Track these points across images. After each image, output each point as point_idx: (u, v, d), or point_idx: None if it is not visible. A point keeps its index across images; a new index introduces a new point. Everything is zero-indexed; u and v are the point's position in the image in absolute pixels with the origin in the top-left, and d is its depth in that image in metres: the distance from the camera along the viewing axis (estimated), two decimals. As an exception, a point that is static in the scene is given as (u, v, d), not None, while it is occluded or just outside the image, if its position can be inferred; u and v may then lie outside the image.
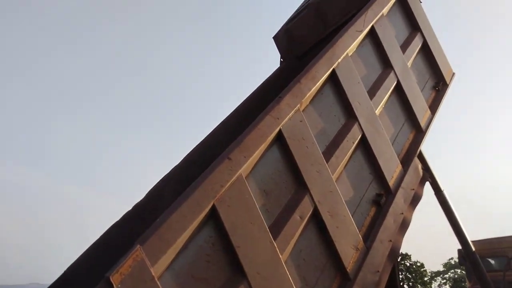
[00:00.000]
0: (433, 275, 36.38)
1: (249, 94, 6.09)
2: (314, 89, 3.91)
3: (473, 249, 6.09)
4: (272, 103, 3.59)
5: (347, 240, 3.60)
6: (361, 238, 3.71)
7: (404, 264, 26.77)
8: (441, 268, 36.79)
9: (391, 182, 4.23)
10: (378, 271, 3.69)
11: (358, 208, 3.94)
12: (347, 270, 3.49)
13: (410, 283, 26.97)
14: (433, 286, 35.97)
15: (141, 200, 4.79)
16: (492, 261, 7.88)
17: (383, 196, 4.12)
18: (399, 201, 4.21)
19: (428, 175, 4.79)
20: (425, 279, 26.70)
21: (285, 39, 7.30)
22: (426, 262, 32.26)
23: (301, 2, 7.73)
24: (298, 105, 3.71)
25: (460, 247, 6.52)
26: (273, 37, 7.47)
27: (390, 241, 3.93)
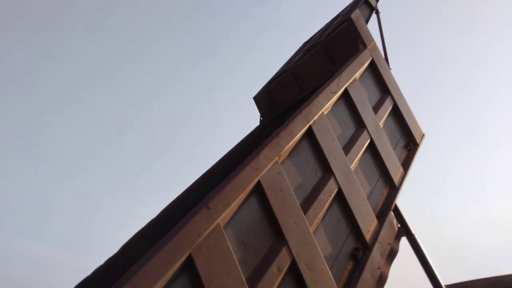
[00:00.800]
0: None
1: (229, 150, 6.24)
2: (291, 143, 4.07)
3: (443, 286, 6.00)
4: (251, 155, 3.70)
5: (325, 294, 3.55)
6: None
7: None
8: None
9: (367, 236, 4.28)
10: None
11: (336, 262, 3.93)
12: (325, 326, 3.40)
13: None
14: None
15: (113, 255, 4.65)
16: None
17: (360, 250, 4.13)
18: (376, 255, 4.23)
19: (404, 231, 4.87)
20: None
21: (264, 99, 7.67)
22: None
23: (280, 66, 8.24)
24: (277, 158, 3.83)
25: None
26: (254, 98, 7.83)
27: (369, 296, 3.89)
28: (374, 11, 6.96)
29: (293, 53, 8.61)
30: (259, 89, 7.93)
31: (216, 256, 2.99)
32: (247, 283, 3.07)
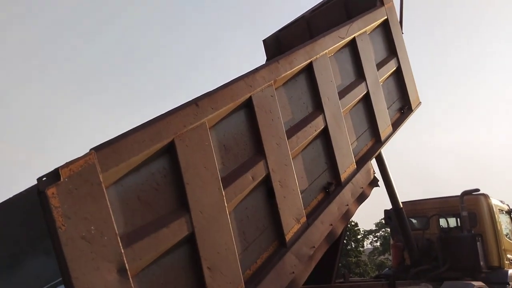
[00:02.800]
0: (365, 233, 40.19)
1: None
2: (289, 72, 4.18)
3: (401, 206, 6.81)
4: (248, 72, 3.82)
5: (291, 211, 3.79)
6: (304, 214, 3.91)
7: None
8: (373, 227, 40.57)
9: (342, 176, 4.49)
10: (314, 247, 3.87)
11: (308, 189, 4.15)
12: (285, 238, 3.67)
13: (344, 241, 28.14)
14: (365, 243, 39.77)
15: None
16: (415, 221, 8.42)
17: (333, 185, 4.36)
18: (347, 193, 4.46)
19: (377, 180, 5.08)
20: (359, 237, 28.16)
21: (274, 44, 7.66)
22: (360, 222, 35.52)
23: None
24: (272, 81, 3.96)
25: (386, 208, 7.39)
26: (263, 40, 7.81)
27: (331, 225, 4.15)
28: None
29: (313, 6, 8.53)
30: (270, 35, 7.92)
31: (197, 149, 3.18)
32: (221, 181, 3.28)
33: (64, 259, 2.33)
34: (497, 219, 7.82)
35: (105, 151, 2.65)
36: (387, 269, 8.23)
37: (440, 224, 7.91)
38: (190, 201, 3.01)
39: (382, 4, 6.05)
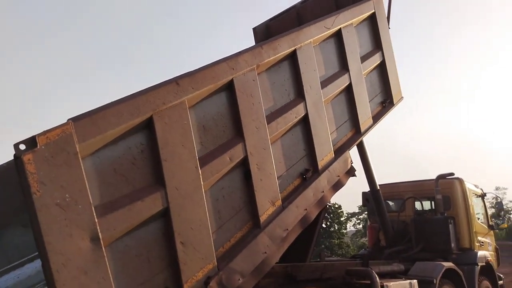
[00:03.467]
0: (349, 215, 41.02)
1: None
2: (273, 58, 4.24)
3: (378, 188, 7.05)
4: (231, 54, 3.88)
5: (267, 194, 3.89)
6: (280, 198, 4.01)
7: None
8: (357, 210, 41.17)
9: (320, 163, 4.59)
10: (287, 230, 3.98)
11: (285, 174, 4.25)
12: (260, 219, 3.76)
13: (328, 223, 29.72)
14: (348, 225, 40.31)
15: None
16: (392, 203, 8.69)
17: (310, 172, 4.46)
18: (323, 180, 4.57)
19: (354, 170, 5.20)
20: (342, 219, 28.87)
21: (263, 33, 7.70)
22: (343, 205, 35.99)
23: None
24: (255, 66, 4.02)
25: (364, 190, 7.59)
26: (253, 28, 7.85)
27: (306, 210, 4.26)
28: None
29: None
30: (260, 24, 7.97)
31: (176, 127, 3.24)
32: (198, 160, 3.35)
33: (38, 224, 2.40)
34: (470, 203, 8.03)
35: (83, 122, 2.70)
36: (363, 249, 8.48)
37: (415, 207, 8.08)
38: (166, 177, 3.08)
39: None
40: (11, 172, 4.33)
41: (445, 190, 7.79)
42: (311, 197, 4.36)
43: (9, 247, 4.55)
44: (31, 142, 2.44)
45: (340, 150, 5.00)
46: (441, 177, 7.67)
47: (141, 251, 2.94)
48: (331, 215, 30.02)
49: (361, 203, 8.17)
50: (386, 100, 6.12)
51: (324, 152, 4.70)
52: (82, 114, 2.75)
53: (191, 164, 3.28)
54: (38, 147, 2.45)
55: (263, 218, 3.80)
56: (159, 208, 3.01)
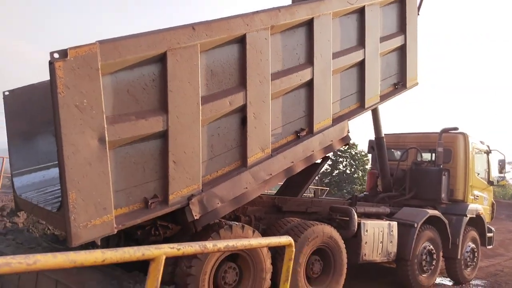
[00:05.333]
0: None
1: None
2: (288, 22, 4.63)
3: (382, 135, 7.48)
4: (249, 12, 4.30)
5: (258, 141, 4.39)
6: (270, 147, 4.50)
7: (350, 153, 30.62)
8: None
9: (316, 126, 5.02)
10: (271, 175, 4.50)
11: (281, 128, 4.72)
12: (248, 160, 4.29)
13: (353, 169, 30.88)
14: None
15: None
16: (396, 152, 9.06)
17: (304, 131, 4.90)
18: (315, 141, 5.01)
19: (350, 138, 5.58)
20: (366, 166, 29.86)
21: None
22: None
23: None
24: (269, 26, 4.43)
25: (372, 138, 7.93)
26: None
27: (292, 162, 4.74)
28: None
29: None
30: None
31: (185, 66, 3.76)
32: (201, 98, 3.88)
33: (59, 118, 3.03)
34: (470, 158, 8.21)
35: (107, 45, 3.27)
36: (362, 193, 8.99)
37: (418, 157, 8.33)
38: (170, 105, 3.64)
39: None
40: (47, 89, 5.13)
41: (448, 143, 8.01)
42: (300, 153, 4.82)
43: (39, 151, 5.35)
44: (63, 53, 3.04)
45: (340, 119, 5.38)
46: (445, 131, 7.85)
47: (139, 160, 3.56)
48: (356, 162, 30.62)
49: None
50: (399, 83, 6.35)
51: (322, 117, 5.10)
52: (109, 39, 3.32)
53: (194, 99, 3.81)
54: (68, 58, 3.04)
55: (250, 160, 4.32)
56: (159, 129, 3.59)
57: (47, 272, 4.34)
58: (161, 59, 3.62)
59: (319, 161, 5.44)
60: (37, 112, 5.29)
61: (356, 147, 30.33)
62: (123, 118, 3.42)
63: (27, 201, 4.35)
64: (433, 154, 8.18)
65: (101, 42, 3.25)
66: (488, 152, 9.09)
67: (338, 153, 29.31)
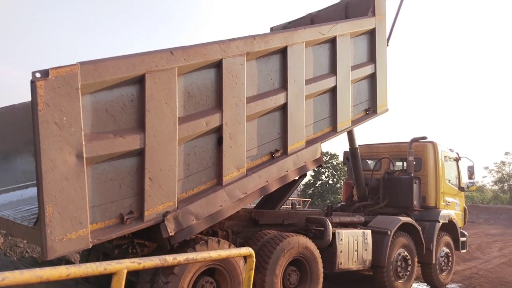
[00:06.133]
0: None
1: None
2: (263, 49, 4.92)
3: (356, 146, 7.74)
4: (225, 39, 4.58)
5: (234, 161, 4.56)
6: (245, 166, 4.68)
7: (331, 163, 31.35)
8: None
9: (290, 147, 5.24)
10: (246, 193, 4.65)
11: (256, 149, 4.91)
12: (223, 179, 4.45)
13: (335, 179, 31.81)
14: None
15: None
16: (370, 162, 9.26)
17: (279, 152, 5.11)
18: (289, 162, 5.21)
19: (323, 159, 5.81)
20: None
21: (278, 32, 8.36)
22: None
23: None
24: (245, 53, 4.70)
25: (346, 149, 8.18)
26: (270, 28, 8.56)
27: (267, 182, 4.91)
28: None
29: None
30: (278, 24, 8.66)
31: (163, 87, 3.96)
32: (178, 119, 4.06)
33: (38, 134, 3.15)
34: (440, 165, 8.50)
35: (88, 66, 3.46)
36: (339, 204, 9.21)
37: (390, 167, 8.59)
38: (147, 125, 3.81)
39: (373, 15, 6.73)
40: (27, 110, 5.24)
41: (418, 152, 8.33)
42: (274, 173, 5.01)
43: (18, 170, 5.40)
44: (45, 73, 3.20)
45: (313, 141, 5.63)
46: (415, 140, 8.16)
47: (116, 177, 3.68)
48: (338, 172, 31.48)
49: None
50: (370, 108, 6.69)
51: (296, 139, 5.34)
52: (89, 60, 3.51)
53: (171, 119, 3.99)
54: (50, 77, 3.21)
55: (226, 178, 4.48)
56: (136, 147, 3.74)
57: None
58: (140, 80, 3.82)
59: (297, 177, 5.63)
60: (16, 132, 5.37)
61: (337, 157, 31.23)
62: (101, 136, 3.56)
63: (3, 218, 4.37)
64: (405, 163, 8.49)
65: (82, 63, 3.44)
66: (457, 159, 9.49)
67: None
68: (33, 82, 3.15)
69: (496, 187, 48.13)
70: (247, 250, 2.81)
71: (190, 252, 2.66)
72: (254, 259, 2.86)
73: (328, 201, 28.50)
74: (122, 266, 2.24)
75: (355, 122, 6.42)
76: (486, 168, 48.51)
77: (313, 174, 30.19)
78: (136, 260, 2.31)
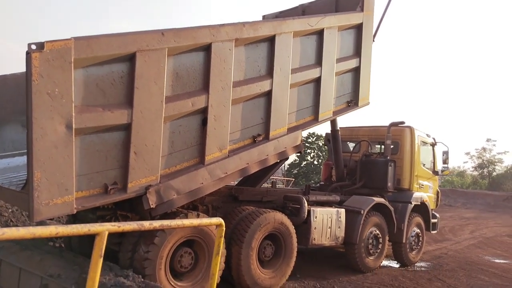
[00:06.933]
0: None
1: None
2: (251, 36, 5.11)
3: (338, 128, 8.00)
4: (216, 24, 4.75)
5: (217, 141, 4.79)
6: (228, 148, 4.91)
7: (317, 144, 32.39)
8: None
9: (271, 133, 5.48)
10: (226, 173, 4.89)
11: (239, 132, 5.14)
12: (205, 158, 4.67)
13: (320, 160, 32.36)
14: None
15: None
16: (350, 144, 9.65)
17: (260, 136, 5.35)
18: (270, 146, 5.46)
19: (303, 146, 6.08)
20: None
21: (270, 21, 8.52)
22: None
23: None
24: (234, 39, 4.88)
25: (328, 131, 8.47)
26: (263, 16, 8.69)
27: (247, 164, 5.16)
28: None
29: None
30: (271, 13, 8.81)
31: (152, 67, 4.13)
32: (165, 98, 4.25)
33: (31, 103, 3.32)
34: (415, 150, 8.91)
35: (82, 42, 3.61)
36: (318, 183, 9.62)
37: (369, 149, 8.93)
38: (135, 101, 3.99)
39: (362, 10, 6.95)
40: (18, 81, 5.35)
41: (396, 136, 8.69)
42: (255, 156, 5.26)
43: (6, 139, 5.53)
44: (40, 45, 3.35)
45: (295, 128, 5.88)
46: (393, 124, 8.49)
47: (102, 149, 3.87)
48: (324, 153, 32.01)
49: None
50: (352, 101, 6.96)
51: (278, 125, 5.58)
52: (83, 36, 3.66)
53: (158, 98, 4.18)
54: (45, 49, 3.36)
55: (208, 158, 4.70)
56: (123, 122, 3.92)
57: (11, 260, 4.54)
58: (130, 58, 3.98)
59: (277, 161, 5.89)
60: (7, 101, 5.48)
61: (322, 138, 31.93)
62: (90, 108, 3.74)
63: None
64: (382, 146, 8.81)
65: (76, 38, 3.59)
66: (433, 144, 9.90)
67: (306, 144, 30.69)
68: (28, 54, 3.30)
69: (476, 173, 49.29)
70: (217, 220, 3.06)
71: (165, 220, 2.89)
72: (224, 228, 3.11)
73: (312, 181, 29.12)
74: (104, 228, 2.46)
75: (337, 113, 6.68)
76: (467, 153, 49.71)
77: (298, 154, 30.72)
78: (116, 224, 2.54)
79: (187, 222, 3.21)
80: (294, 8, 8.42)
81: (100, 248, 2.45)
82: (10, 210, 8.99)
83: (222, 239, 3.10)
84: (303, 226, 6.40)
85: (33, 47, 3.33)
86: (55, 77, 3.43)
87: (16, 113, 5.49)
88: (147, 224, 2.71)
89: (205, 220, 3.19)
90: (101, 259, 2.45)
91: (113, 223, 2.55)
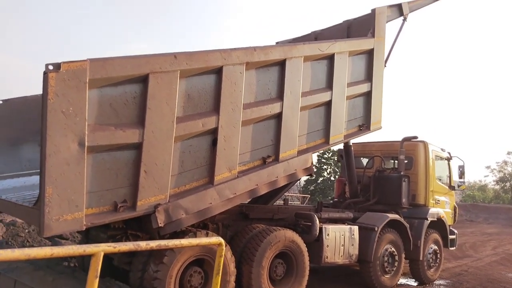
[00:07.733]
0: None
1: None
2: (262, 60, 5.23)
3: (350, 144, 7.91)
4: (227, 48, 4.90)
5: (226, 162, 4.83)
6: (237, 168, 4.94)
7: (333, 159, 31.50)
8: None
9: (281, 155, 5.49)
10: (236, 194, 4.90)
11: (249, 153, 5.17)
12: (215, 178, 4.71)
13: (337, 176, 30.75)
14: None
15: None
16: (364, 160, 9.37)
17: (270, 158, 5.37)
18: (280, 168, 5.46)
19: (313, 169, 6.06)
20: None
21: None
22: None
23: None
24: (245, 62, 5.01)
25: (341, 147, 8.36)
26: (276, 42, 8.90)
27: (257, 185, 5.16)
28: (403, 17, 7.85)
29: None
30: (284, 39, 9.01)
31: (165, 88, 4.26)
32: (176, 119, 4.35)
33: (46, 121, 3.45)
34: (430, 164, 8.70)
35: (97, 63, 3.77)
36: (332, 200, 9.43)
37: (382, 165, 8.75)
38: (147, 121, 4.10)
39: (373, 36, 7.05)
40: (39, 102, 5.56)
41: (409, 151, 8.53)
42: (264, 177, 5.27)
43: (24, 159, 5.71)
44: (57, 66, 3.51)
45: (305, 151, 5.88)
46: (406, 139, 8.35)
47: (113, 167, 3.95)
48: (340, 169, 31.31)
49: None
50: (364, 125, 6.95)
51: (288, 147, 5.60)
52: (99, 58, 3.83)
53: (169, 118, 4.28)
54: (61, 70, 3.52)
55: (217, 178, 4.74)
56: (135, 141, 4.02)
57: (24, 280, 4.61)
58: (143, 80, 4.12)
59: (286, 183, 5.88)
60: (26, 121, 5.69)
61: None
62: (103, 127, 3.86)
63: (6, 201, 4.65)
64: (396, 162, 8.68)
65: (91, 59, 3.75)
66: (449, 159, 9.69)
67: (323, 160, 30.40)
68: (45, 73, 3.46)
69: (497, 187, 47.72)
70: (216, 239, 3.07)
71: (162, 240, 2.91)
72: (224, 247, 3.11)
73: (329, 197, 28.63)
74: (100, 249, 2.47)
75: (348, 136, 6.67)
76: (488, 167, 48.27)
77: (315, 170, 30.35)
78: (112, 244, 2.55)
79: (185, 242, 3.23)
80: (307, 35, 8.59)
81: (95, 268, 2.47)
82: (26, 230, 9.15)
83: (222, 258, 3.10)
84: (315, 244, 6.32)
85: (50, 67, 3.49)
86: (70, 96, 3.56)
87: (35, 133, 5.66)
88: (143, 244, 2.72)
89: (204, 240, 3.21)
90: (97, 280, 2.46)
91: (108, 244, 2.58)
